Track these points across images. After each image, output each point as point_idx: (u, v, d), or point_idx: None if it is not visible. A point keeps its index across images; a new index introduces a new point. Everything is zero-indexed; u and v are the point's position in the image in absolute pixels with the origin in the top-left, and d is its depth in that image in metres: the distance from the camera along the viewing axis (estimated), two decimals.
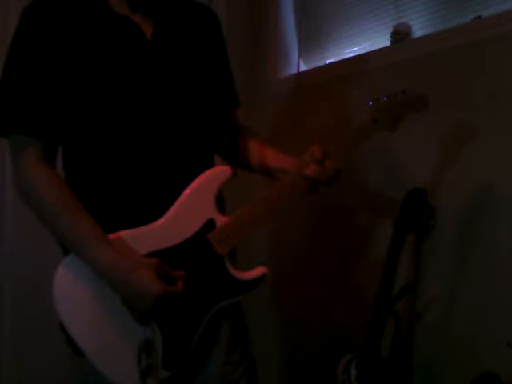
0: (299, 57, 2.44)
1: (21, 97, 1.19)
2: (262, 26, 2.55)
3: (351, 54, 2.24)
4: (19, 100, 1.19)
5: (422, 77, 1.80)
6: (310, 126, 2.24)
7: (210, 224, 1.23)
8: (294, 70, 2.46)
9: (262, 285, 1.25)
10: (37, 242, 1.83)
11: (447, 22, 1.89)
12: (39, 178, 1.18)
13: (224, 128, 1.43)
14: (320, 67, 2.36)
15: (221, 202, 1.30)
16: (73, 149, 1.26)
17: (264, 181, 1.45)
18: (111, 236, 1.17)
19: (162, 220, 1.21)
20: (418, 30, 1.98)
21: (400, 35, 1.99)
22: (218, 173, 1.26)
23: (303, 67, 2.45)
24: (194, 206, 1.23)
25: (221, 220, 1.24)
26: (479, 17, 1.79)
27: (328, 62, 2.34)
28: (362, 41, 2.19)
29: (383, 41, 2.08)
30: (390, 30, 2.03)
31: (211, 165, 1.32)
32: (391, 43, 2.02)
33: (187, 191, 1.22)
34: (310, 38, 2.42)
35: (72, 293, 1.18)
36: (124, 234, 1.19)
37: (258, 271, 1.25)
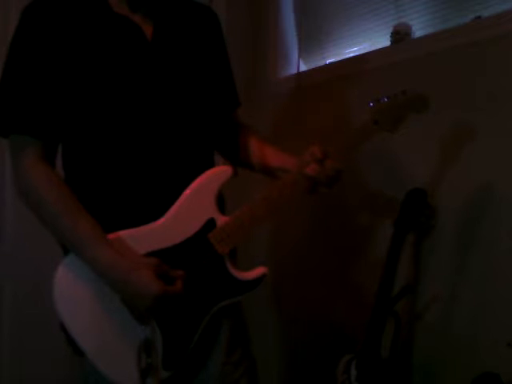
0: (299, 57, 2.44)
1: (20, 97, 1.19)
2: (261, 25, 2.55)
3: (351, 54, 2.24)
4: (19, 100, 1.19)
5: (422, 77, 1.80)
6: (310, 126, 2.24)
7: (210, 224, 1.23)
8: (294, 70, 2.46)
9: (262, 285, 1.25)
10: (37, 242, 1.83)
11: (447, 21, 1.89)
12: (39, 178, 1.18)
13: (225, 127, 1.44)
14: (320, 67, 2.36)
15: (221, 202, 1.30)
16: (72, 148, 1.26)
17: (264, 180, 1.45)
18: (111, 236, 1.17)
19: (162, 220, 1.21)
20: (418, 30, 1.98)
21: (400, 35, 1.99)
22: (218, 173, 1.26)
23: (303, 67, 2.45)
24: (194, 205, 1.23)
25: (221, 220, 1.24)
26: (479, 17, 1.79)
27: (328, 62, 2.35)
28: (362, 41, 2.19)
29: (383, 41, 2.08)
30: (390, 29, 2.03)
31: (212, 164, 1.32)
32: (391, 43, 2.02)
33: (188, 191, 1.22)
34: (310, 38, 2.42)
35: (72, 293, 1.18)
36: (124, 233, 1.19)
37: (258, 271, 1.25)
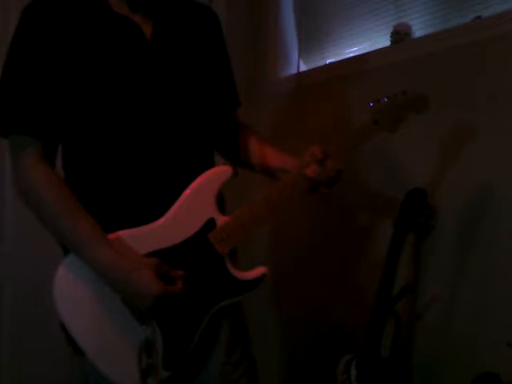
0: (299, 57, 2.44)
1: (20, 96, 1.19)
2: (261, 25, 2.55)
3: (351, 54, 2.24)
4: (19, 100, 1.19)
5: (422, 77, 1.80)
6: (310, 126, 2.24)
7: (210, 224, 1.23)
8: (294, 70, 2.46)
9: (262, 285, 1.25)
10: (37, 242, 1.83)
11: (447, 21, 1.89)
12: (39, 178, 1.18)
13: (225, 127, 1.44)
14: (320, 67, 2.36)
15: (221, 202, 1.30)
16: (72, 148, 1.26)
17: (264, 180, 1.45)
18: (111, 236, 1.17)
19: (162, 220, 1.21)
20: (418, 30, 1.98)
21: (400, 35, 1.99)
22: (218, 173, 1.26)
23: (303, 67, 2.45)
24: (194, 205, 1.23)
25: (221, 220, 1.24)
26: (479, 17, 1.79)
27: (328, 62, 2.35)
28: (362, 41, 2.19)
29: (383, 41, 2.08)
30: (390, 29, 2.03)
31: (212, 164, 1.32)
32: (391, 43, 2.02)
33: (188, 191, 1.22)
34: (310, 38, 2.42)
35: (72, 292, 1.18)
36: (124, 233, 1.19)
37: (258, 271, 1.25)
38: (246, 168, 1.47)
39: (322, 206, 2.11)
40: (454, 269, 1.73)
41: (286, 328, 2.38)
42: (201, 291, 1.22)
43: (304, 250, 2.27)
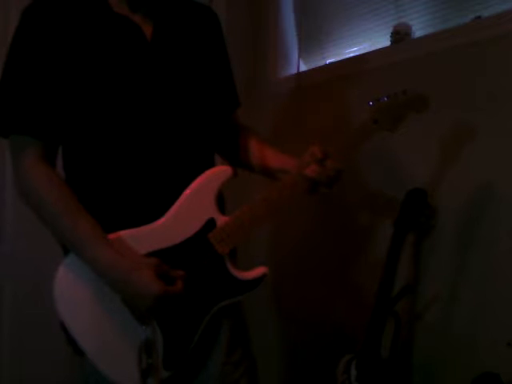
0: (299, 57, 2.44)
1: (21, 97, 1.19)
2: (262, 25, 2.55)
3: (351, 54, 2.24)
4: (19, 100, 1.19)
5: (421, 77, 1.80)
6: (310, 126, 2.24)
7: (210, 224, 1.23)
8: (294, 70, 2.46)
9: (262, 285, 1.25)
10: (37, 242, 1.83)
11: (447, 21, 1.89)
12: (39, 178, 1.18)
13: (225, 128, 1.43)
14: (320, 67, 2.36)
15: (221, 202, 1.30)
16: (73, 149, 1.26)
17: (264, 181, 1.45)
18: (111, 236, 1.17)
19: (162, 220, 1.21)
20: (418, 30, 1.98)
21: (400, 35, 1.99)
22: (218, 173, 1.26)
23: (303, 67, 2.45)
24: (194, 205, 1.23)
25: (221, 220, 1.24)
26: (479, 17, 1.79)
27: (328, 62, 2.35)
28: (362, 41, 2.19)
29: (383, 41, 2.08)
30: (390, 29, 2.03)
31: (212, 165, 1.32)
32: (391, 43, 2.02)
33: (187, 191, 1.22)
34: (310, 38, 2.42)
35: (73, 292, 1.18)
36: (124, 233, 1.19)
37: (259, 271, 1.25)
38: (245, 169, 1.47)
39: (321, 206, 2.11)
40: (454, 269, 1.73)
41: (286, 328, 2.38)
42: (201, 291, 1.22)
43: (304, 250, 2.27)
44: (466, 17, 1.83)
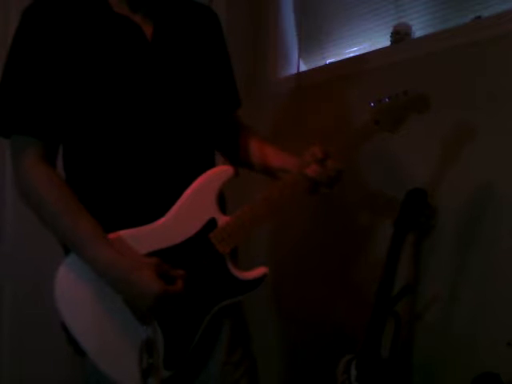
0: (299, 57, 2.44)
1: (21, 97, 1.19)
2: (262, 25, 2.55)
3: (351, 54, 2.24)
4: (20, 100, 1.19)
5: (422, 77, 1.81)
6: (310, 126, 2.24)
7: (211, 223, 1.23)
8: (294, 70, 2.47)
9: (262, 285, 1.25)
10: (37, 242, 1.83)
11: (447, 21, 1.89)
12: (40, 178, 1.18)
13: (225, 127, 1.44)
14: (320, 67, 2.36)
15: (222, 202, 1.30)
16: (73, 149, 1.26)
17: (265, 180, 1.45)
18: (111, 236, 1.17)
19: (163, 219, 1.21)
20: (418, 30, 1.99)
21: (400, 35, 1.99)
22: (219, 172, 1.26)
23: (303, 67, 2.45)
24: (195, 205, 1.23)
25: (222, 219, 1.24)
26: (479, 17, 1.79)
27: (328, 62, 2.35)
28: (362, 41, 2.20)
29: (383, 41, 2.08)
30: (390, 29, 2.03)
31: (212, 164, 1.32)
32: (391, 43, 2.02)
33: (188, 191, 1.22)
34: (310, 38, 2.42)
35: (73, 292, 1.18)
36: (124, 233, 1.19)
37: (259, 271, 1.25)
38: (246, 168, 1.47)
39: (322, 206, 2.11)
40: (454, 269, 1.73)
41: (286, 328, 2.38)
42: (202, 291, 1.22)
43: (304, 249, 2.28)
44: (465, 17, 1.83)
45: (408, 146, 1.84)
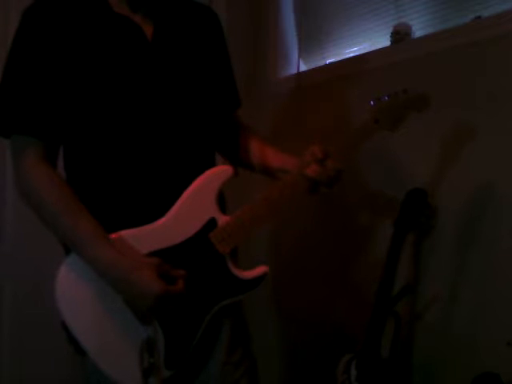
0: (299, 57, 2.44)
1: (22, 97, 1.19)
2: (262, 25, 2.55)
3: (351, 54, 2.24)
4: (20, 100, 1.19)
5: (422, 77, 1.80)
6: (310, 126, 2.24)
7: (211, 223, 1.23)
8: (294, 70, 2.47)
9: (263, 284, 1.25)
10: (37, 242, 1.83)
11: (447, 21, 1.89)
12: (40, 179, 1.18)
13: (225, 127, 1.44)
14: (320, 67, 2.36)
15: (222, 202, 1.30)
16: (74, 149, 1.26)
17: (265, 180, 1.45)
18: (112, 236, 1.17)
19: (163, 219, 1.21)
20: (418, 30, 1.99)
21: (400, 35, 1.99)
22: (219, 172, 1.26)
23: (303, 67, 2.45)
24: (195, 205, 1.23)
25: (222, 219, 1.24)
26: (479, 17, 1.79)
27: (328, 62, 2.35)
28: (362, 41, 2.20)
29: (383, 41, 2.08)
30: (390, 29, 2.03)
31: (213, 164, 1.32)
32: (391, 43, 2.02)
33: (188, 191, 1.22)
34: (310, 38, 2.42)
35: (74, 292, 1.18)
36: (125, 233, 1.19)
37: (259, 270, 1.25)
38: (246, 168, 1.47)
39: (322, 206, 2.11)
40: (454, 269, 1.73)
41: (286, 328, 2.38)
42: (202, 291, 1.22)
43: (304, 249, 2.28)
44: (465, 17, 1.83)
45: (408, 146, 1.84)
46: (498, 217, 1.64)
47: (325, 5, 2.32)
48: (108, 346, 1.18)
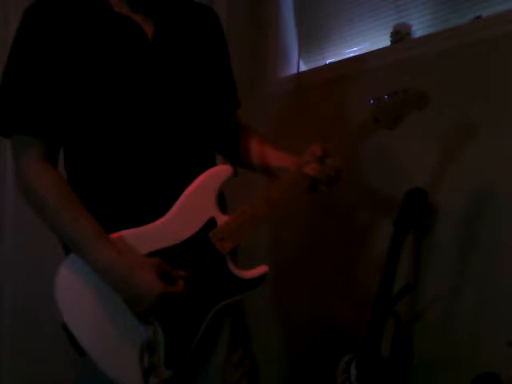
0: (299, 57, 2.44)
1: (22, 97, 1.19)
2: (262, 25, 2.56)
3: (351, 54, 2.24)
4: (21, 100, 1.19)
5: (421, 77, 1.80)
6: (310, 125, 2.24)
7: (211, 223, 1.23)
8: (294, 70, 2.47)
9: (263, 283, 1.25)
10: (37, 242, 1.84)
11: (447, 22, 1.89)
12: (40, 178, 1.18)
13: (225, 127, 1.44)
14: (320, 67, 2.36)
15: (222, 202, 1.30)
16: (74, 148, 1.26)
17: (265, 180, 1.45)
18: (112, 235, 1.17)
19: (163, 219, 1.21)
20: (418, 30, 1.98)
21: (400, 35, 1.98)
22: (218, 172, 1.26)
23: (303, 67, 2.45)
24: (195, 205, 1.23)
25: (222, 219, 1.24)
26: (479, 17, 1.78)
27: (328, 62, 2.35)
28: (362, 41, 2.19)
29: (383, 41, 2.08)
30: (390, 30, 2.03)
31: (212, 164, 1.32)
32: (391, 43, 2.02)
33: (188, 190, 1.22)
34: (310, 38, 2.42)
35: (74, 292, 1.18)
36: (125, 233, 1.19)
37: (260, 270, 1.25)
38: (246, 168, 1.47)
39: (321, 206, 2.11)
40: (454, 268, 1.73)
41: (286, 328, 2.38)
42: (202, 290, 1.22)
43: (304, 249, 2.27)
44: (465, 17, 1.83)
45: (408, 146, 1.84)
46: (497, 217, 1.63)
47: (325, 5, 2.32)
48: (108, 346, 1.18)
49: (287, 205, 1.28)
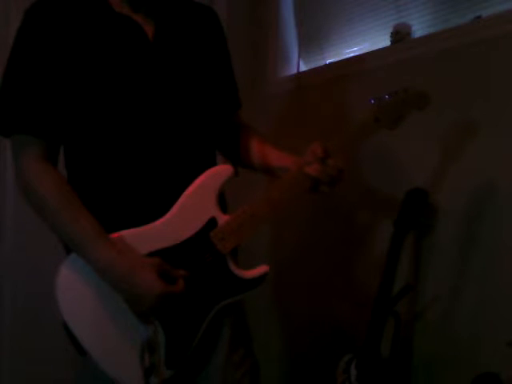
0: (299, 57, 2.44)
1: (23, 96, 1.19)
2: (262, 25, 2.56)
3: (351, 54, 2.24)
4: (21, 100, 1.19)
5: (421, 77, 1.80)
6: (310, 126, 2.24)
7: (211, 223, 1.23)
8: (294, 70, 2.47)
9: (263, 283, 1.25)
10: (37, 242, 1.84)
11: (447, 21, 1.89)
12: (40, 177, 1.18)
13: (226, 127, 1.44)
14: (320, 67, 2.36)
15: (222, 201, 1.30)
16: (75, 148, 1.26)
17: (265, 180, 1.45)
18: (113, 235, 1.17)
19: (163, 219, 1.21)
20: (418, 30, 1.98)
21: (400, 35, 1.98)
22: (219, 172, 1.26)
23: (303, 67, 2.45)
24: (195, 204, 1.23)
25: (222, 219, 1.24)
26: (479, 17, 1.78)
27: (328, 62, 2.35)
28: (362, 41, 2.19)
29: (383, 41, 2.08)
30: (390, 30, 2.03)
31: (213, 164, 1.32)
32: (391, 43, 2.02)
33: (189, 190, 1.23)
34: (310, 38, 2.42)
35: (75, 291, 1.18)
36: (125, 233, 1.19)
37: (260, 269, 1.25)
38: (247, 168, 1.47)
39: (322, 206, 2.11)
40: (454, 268, 1.73)
41: (286, 328, 2.38)
42: (203, 290, 1.22)
43: (304, 249, 2.27)
44: (465, 17, 1.83)
45: (408, 146, 1.84)
46: (498, 217, 1.63)
47: (325, 5, 2.32)
48: (109, 346, 1.18)
49: (288, 205, 1.28)
